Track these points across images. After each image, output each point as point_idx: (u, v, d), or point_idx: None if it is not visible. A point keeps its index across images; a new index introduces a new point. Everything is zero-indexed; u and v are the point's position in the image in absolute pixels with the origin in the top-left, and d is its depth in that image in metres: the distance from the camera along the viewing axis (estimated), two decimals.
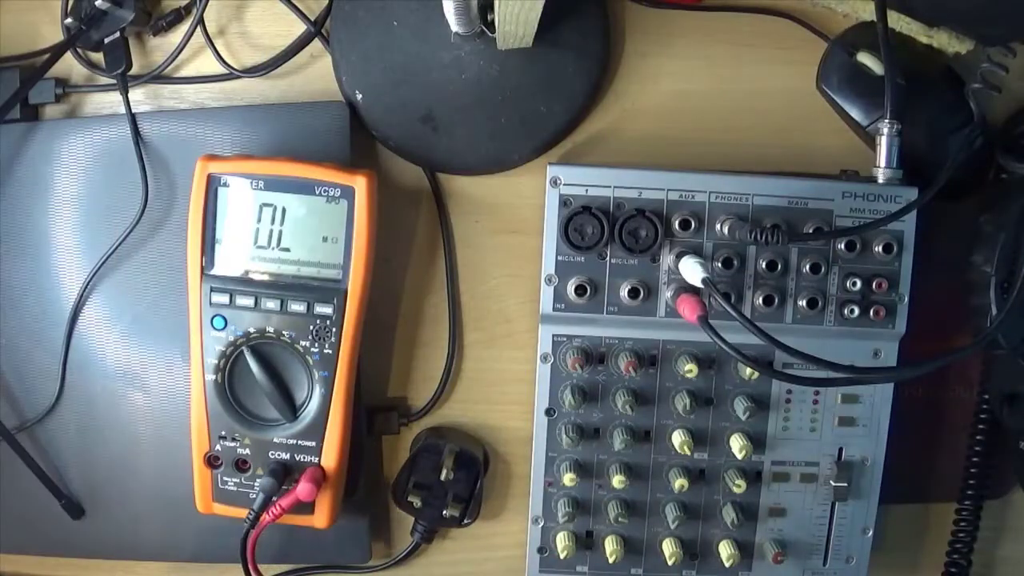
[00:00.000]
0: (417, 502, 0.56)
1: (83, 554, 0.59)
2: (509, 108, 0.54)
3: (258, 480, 0.51)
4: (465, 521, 0.56)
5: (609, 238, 0.51)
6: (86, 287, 0.56)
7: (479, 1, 0.47)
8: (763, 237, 0.47)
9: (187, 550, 0.58)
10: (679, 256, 0.51)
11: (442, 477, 0.55)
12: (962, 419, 0.58)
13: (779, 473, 0.55)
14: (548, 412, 0.54)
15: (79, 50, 0.55)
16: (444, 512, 0.56)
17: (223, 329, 0.50)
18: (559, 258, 0.52)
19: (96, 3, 0.52)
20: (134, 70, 0.55)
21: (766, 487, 0.55)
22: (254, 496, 0.50)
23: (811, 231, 0.51)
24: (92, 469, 0.57)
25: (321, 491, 0.51)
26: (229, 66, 0.55)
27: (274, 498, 0.50)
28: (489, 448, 0.59)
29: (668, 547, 0.54)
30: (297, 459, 0.51)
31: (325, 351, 0.50)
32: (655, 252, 0.52)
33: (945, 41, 0.53)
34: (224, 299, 0.50)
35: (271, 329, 0.50)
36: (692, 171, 0.52)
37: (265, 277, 0.50)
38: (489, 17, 0.49)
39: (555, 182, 0.51)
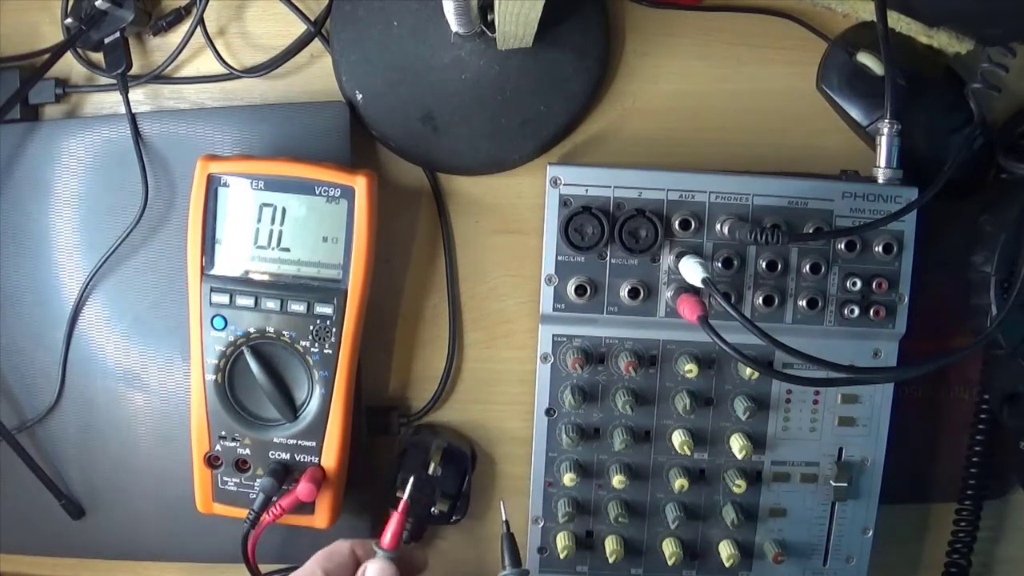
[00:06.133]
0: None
1: (83, 554, 0.59)
2: (509, 108, 0.54)
3: (258, 480, 0.51)
4: (454, 518, 0.56)
5: (609, 238, 0.51)
6: (86, 287, 0.56)
7: (479, 1, 0.47)
8: (763, 237, 0.47)
9: (187, 550, 0.58)
10: (679, 256, 0.51)
11: (430, 471, 0.55)
12: (962, 419, 0.58)
13: (779, 473, 0.55)
14: (548, 412, 0.54)
15: (79, 50, 0.55)
16: (432, 509, 0.55)
17: (223, 329, 0.50)
18: (559, 258, 0.52)
19: (96, 3, 0.52)
20: (134, 70, 0.55)
21: (766, 487, 0.55)
22: (254, 496, 0.50)
23: (811, 231, 0.51)
24: (92, 469, 0.57)
25: (321, 491, 0.51)
26: (229, 66, 0.55)
27: (274, 498, 0.50)
28: (489, 448, 0.59)
29: (668, 547, 0.54)
30: (297, 459, 0.51)
31: (325, 351, 0.50)
32: (655, 252, 0.52)
33: (945, 41, 0.53)
34: (224, 299, 0.50)
35: (271, 329, 0.50)
36: (692, 171, 0.52)
37: (265, 277, 0.50)
38: (489, 17, 0.49)
39: (555, 182, 0.51)
